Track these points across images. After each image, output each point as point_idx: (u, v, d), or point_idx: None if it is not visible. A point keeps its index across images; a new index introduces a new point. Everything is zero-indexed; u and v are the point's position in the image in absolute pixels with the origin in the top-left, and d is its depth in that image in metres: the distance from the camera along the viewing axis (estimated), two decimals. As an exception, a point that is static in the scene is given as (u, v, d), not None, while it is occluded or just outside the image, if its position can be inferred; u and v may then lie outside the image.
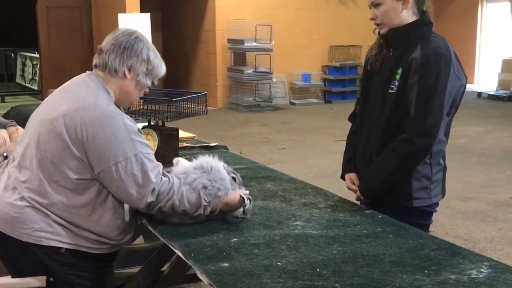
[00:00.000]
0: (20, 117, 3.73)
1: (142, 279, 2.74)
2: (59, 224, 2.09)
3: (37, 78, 12.96)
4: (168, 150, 2.76)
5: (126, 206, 2.20)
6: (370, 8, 2.42)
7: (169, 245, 2.03)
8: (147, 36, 2.30)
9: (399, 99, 2.35)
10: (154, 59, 2.25)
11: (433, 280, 1.68)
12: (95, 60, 2.24)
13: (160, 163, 2.14)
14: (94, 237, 2.14)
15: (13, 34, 14.97)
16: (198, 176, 2.17)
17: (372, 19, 2.42)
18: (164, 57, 2.33)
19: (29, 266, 2.13)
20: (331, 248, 1.94)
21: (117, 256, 2.35)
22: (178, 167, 2.32)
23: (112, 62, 2.19)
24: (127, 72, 2.21)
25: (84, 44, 12.03)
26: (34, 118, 2.22)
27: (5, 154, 2.61)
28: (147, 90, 2.34)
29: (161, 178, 2.09)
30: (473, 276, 1.72)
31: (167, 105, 2.86)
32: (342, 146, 2.86)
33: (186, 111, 2.93)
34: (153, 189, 2.06)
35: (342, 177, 2.68)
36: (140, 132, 2.15)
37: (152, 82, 2.30)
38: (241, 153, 6.33)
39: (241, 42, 10.84)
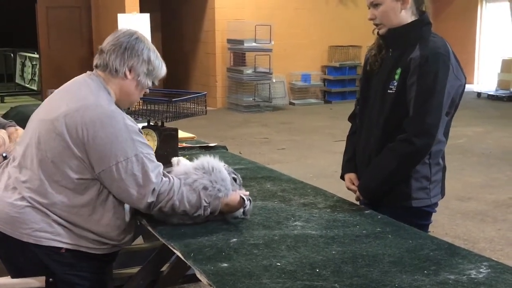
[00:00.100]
0: (20, 118, 3.73)
1: (142, 279, 2.74)
2: (60, 224, 2.10)
3: (36, 78, 12.97)
4: (167, 151, 2.76)
5: (127, 206, 2.20)
6: (369, 8, 2.42)
7: (168, 246, 2.03)
8: (146, 37, 2.31)
9: (398, 99, 2.35)
10: (155, 59, 2.26)
11: (432, 280, 1.68)
12: (96, 61, 2.25)
13: (160, 164, 2.14)
14: (95, 237, 2.14)
15: (13, 34, 14.97)
16: (199, 177, 2.17)
17: (371, 19, 2.42)
18: (164, 57, 2.33)
19: (29, 266, 2.13)
20: (330, 248, 1.94)
21: (117, 256, 2.35)
22: (179, 167, 2.32)
23: (112, 63, 2.20)
24: (127, 73, 2.21)
25: (83, 44, 12.04)
26: (35, 118, 2.23)
27: (4, 155, 2.61)
28: (148, 90, 2.35)
29: (162, 178, 2.10)
30: (473, 276, 1.72)
31: (166, 105, 2.86)
32: (341, 146, 2.86)
33: (186, 111, 2.93)
34: (154, 189, 2.07)
35: (342, 177, 2.68)
36: (141, 132, 2.15)
37: (153, 83, 2.30)
38: (240, 153, 6.33)
39: (241, 42, 10.84)
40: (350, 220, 2.22)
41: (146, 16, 8.70)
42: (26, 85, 13.66)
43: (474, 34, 14.11)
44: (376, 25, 2.43)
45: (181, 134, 3.31)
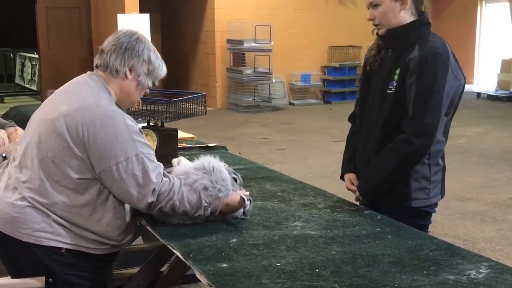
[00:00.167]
0: (19, 118, 3.73)
1: (142, 279, 2.74)
2: (60, 224, 2.10)
3: (36, 78, 12.96)
4: (167, 151, 2.76)
5: (127, 207, 2.20)
6: (368, 9, 2.42)
7: (168, 246, 2.03)
8: (146, 37, 2.31)
9: (397, 100, 2.35)
10: (155, 60, 2.27)
11: (432, 281, 1.68)
12: (96, 61, 2.25)
13: (161, 164, 2.14)
14: (95, 238, 2.14)
15: (13, 35, 14.97)
16: (199, 177, 2.17)
17: (370, 19, 2.42)
18: (164, 57, 2.34)
19: (29, 266, 2.13)
20: (330, 249, 1.94)
21: (117, 257, 2.35)
22: (179, 167, 2.32)
23: (113, 63, 2.20)
24: (128, 73, 2.22)
25: (83, 44, 12.03)
26: (35, 119, 2.23)
27: (4, 155, 2.61)
28: (148, 91, 2.35)
29: (162, 178, 2.10)
30: (472, 276, 1.72)
31: (166, 106, 2.86)
32: (341, 146, 2.86)
33: (185, 111, 2.93)
34: (154, 189, 2.07)
35: (342, 178, 2.68)
36: (141, 132, 2.15)
37: (153, 83, 2.31)
38: (240, 153, 6.33)
39: (241, 42, 10.84)
40: (349, 221, 2.22)
41: (146, 16, 8.70)
42: (26, 85, 13.66)
43: (474, 34, 14.11)
44: (375, 25, 2.43)
45: (181, 134, 3.31)
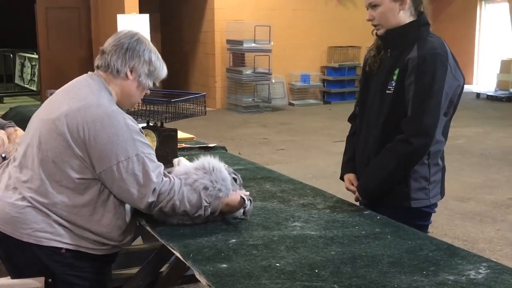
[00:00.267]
0: (19, 118, 3.73)
1: (141, 280, 2.74)
2: (60, 225, 2.10)
3: (36, 79, 12.96)
4: (166, 151, 2.76)
5: (127, 207, 2.20)
6: (368, 9, 2.42)
7: (167, 246, 2.03)
8: (146, 37, 2.32)
9: (396, 100, 2.35)
10: (156, 60, 2.28)
11: (431, 281, 1.69)
12: (97, 61, 2.26)
13: (161, 164, 2.15)
14: (95, 238, 2.14)
15: (12, 35, 14.96)
16: (200, 177, 2.17)
17: (369, 20, 2.42)
18: (163, 57, 2.34)
19: (29, 266, 2.14)
20: (329, 249, 1.94)
21: (117, 257, 2.35)
22: (180, 167, 2.32)
23: (114, 63, 2.21)
24: (129, 73, 2.23)
25: (83, 45, 12.03)
26: (36, 118, 2.23)
27: (3, 155, 2.61)
28: (148, 91, 2.36)
29: (162, 178, 2.10)
30: (472, 277, 1.72)
31: (165, 106, 2.86)
32: (341, 147, 2.86)
33: (185, 112, 2.93)
34: (154, 189, 2.07)
35: (341, 178, 2.68)
36: (142, 132, 2.16)
37: (154, 84, 2.31)
38: (240, 154, 6.33)
39: (240, 43, 10.84)
40: (349, 221, 2.23)
41: (146, 16, 8.71)
42: (26, 85, 13.66)
43: (473, 34, 14.11)
44: (375, 26, 2.43)
45: (181, 134, 3.31)
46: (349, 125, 2.74)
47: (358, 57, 12.04)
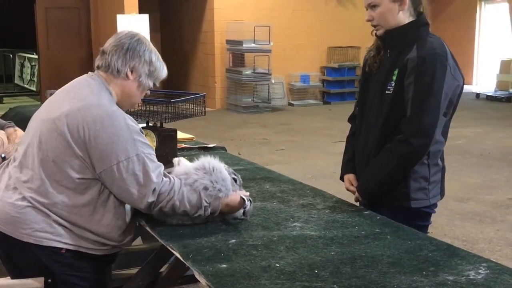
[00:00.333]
0: (19, 118, 3.73)
1: (141, 280, 2.73)
2: (60, 225, 2.10)
3: (35, 79, 12.96)
4: (166, 151, 2.76)
5: (128, 207, 2.20)
6: (367, 10, 2.42)
7: (167, 246, 2.03)
8: (146, 38, 2.32)
9: (396, 100, 2.35)
10: (156, 61, 2.28)
11: (431, 281, 1.69)
12: (98, 62, 2.26)
13: (161, 164, 2.15)
14: (95, 238, 2.14)
15: (12, 35, 14.96)
16: (200, 177, 2.17)
17: (368, 20, 2.43)
18: (163, 58, 2.34)
19: (29, 267, 2.14)
20: (329, 249, 1.94)
21: (117, 257, 2.35)
22: (180, 167, 2.32)
23: (115, 63, 2.21)
24: (129, 73, 2.23)
25: (82, 45, 12.03)
26: (36, 118, 2.23)
27: (3, 156, 2.61)
28: (148, 92, 2.36)
29: (162, 178, 2.10)
30: (471, 277, 1.72)
31: (165, 106, 2.86)
32: (340, 147, 2.86)
33: (185, 112, 2.93)
34: (154, 189, 2.07)
35: (341, 178, 2.68)
36: (142, 133, 2.16)
37: (154, 84, 2.32)
38: (239, 154, 6.33)
39: (240, 43, 10.84)
40: (349, 221, 2.23)
41: (145, 16, 8.71)
42: (25, 85, 13.65)
43: (473, 35, 14.11)
44: (374, 26, 2.43)
45: (180, 135, 3.31)
46: (349, 125, 2.74)
47: (358, 58, 12.04)
